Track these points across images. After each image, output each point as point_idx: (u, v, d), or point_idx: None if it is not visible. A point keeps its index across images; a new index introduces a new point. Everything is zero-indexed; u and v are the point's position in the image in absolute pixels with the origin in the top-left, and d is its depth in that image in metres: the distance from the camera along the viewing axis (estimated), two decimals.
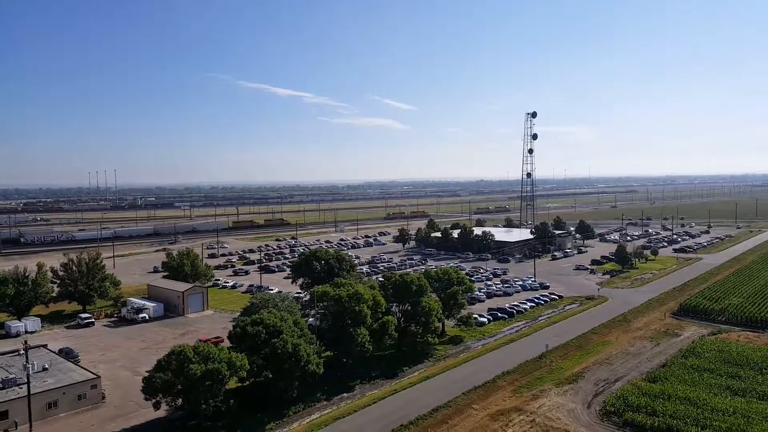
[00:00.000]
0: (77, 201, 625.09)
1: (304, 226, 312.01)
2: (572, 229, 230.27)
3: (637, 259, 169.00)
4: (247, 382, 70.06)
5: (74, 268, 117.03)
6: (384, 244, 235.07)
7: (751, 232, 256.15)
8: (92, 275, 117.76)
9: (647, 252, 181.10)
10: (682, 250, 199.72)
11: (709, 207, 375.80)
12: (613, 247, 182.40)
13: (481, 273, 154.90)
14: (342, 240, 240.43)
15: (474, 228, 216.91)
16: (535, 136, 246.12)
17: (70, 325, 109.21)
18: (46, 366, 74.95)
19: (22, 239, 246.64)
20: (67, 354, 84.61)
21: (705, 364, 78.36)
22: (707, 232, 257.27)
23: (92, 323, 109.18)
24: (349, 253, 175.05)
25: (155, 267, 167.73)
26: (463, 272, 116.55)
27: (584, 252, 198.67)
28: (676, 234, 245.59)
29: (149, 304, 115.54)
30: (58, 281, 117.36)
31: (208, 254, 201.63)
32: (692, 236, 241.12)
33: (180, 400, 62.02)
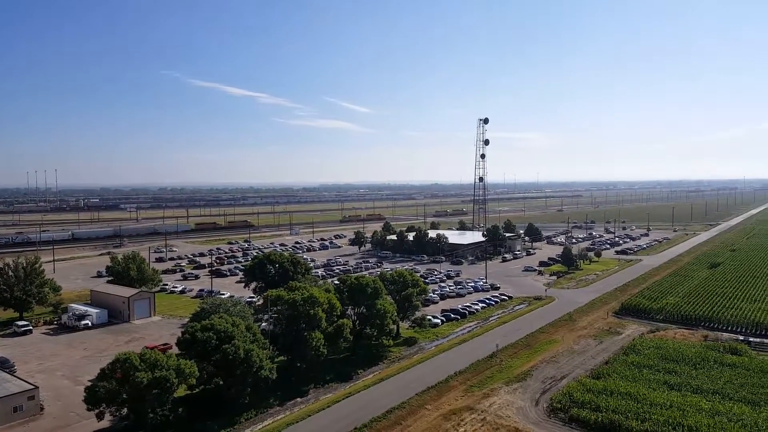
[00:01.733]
0: (14, 202, 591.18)
1: (258, 228, 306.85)
2: (521, 231, 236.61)
3: (581, 261, 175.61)
4: (197, 390, 68.33)
5: (10, 273, 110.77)
6: (340, 246, 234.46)
7: (687, 234, 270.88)
8: (30, 280, 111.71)
9: (591, 254, 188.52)
10: (623, 252, 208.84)
11: (648, 211, 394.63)
12: (560, 249, 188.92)
13: (435, 275, 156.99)
14: (297, 243, 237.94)
15: (428, 231, 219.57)
16: (487, 142, 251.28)
17: (5, 333, 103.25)
18: None
19: None
20: (2, 364, 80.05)
21: (644, 361, 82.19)
22: (647, 234, 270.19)
23: (30, 331, 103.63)
24: (305, 256, 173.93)
25: (99, 272, 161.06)
26: (418, 274, 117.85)
27: (533, 254, 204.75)
28: (618, 236, 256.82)
29: (92, 311, 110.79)
30: None
31: (156, 258, 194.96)
32: (633, 239, 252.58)
33: (125, 410, 59.98)
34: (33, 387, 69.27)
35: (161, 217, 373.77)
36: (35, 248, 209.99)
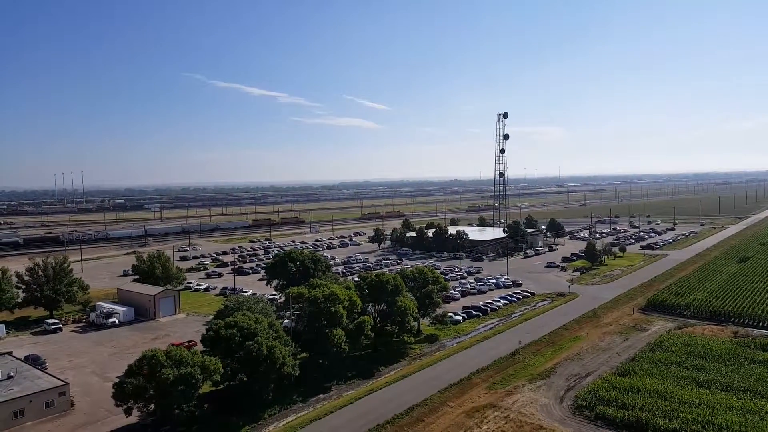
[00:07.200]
0: (42, 204, 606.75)
1: (308, 224, 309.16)
2: (543, 227, 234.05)
3: (606, 256, 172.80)
4: (222, 386, 69.24)
5: (40, 272, 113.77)
6: (359, 244, 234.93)
7: (714, 228, 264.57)
8: (59, 280, 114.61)
9: (615, 249, 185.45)
10: (648, 246, 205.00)
11: (674, 205, 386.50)
12: (583, 245, 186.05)
13: (456, 272, 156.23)
14: (317, 241, 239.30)
15: (448, 227, 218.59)
16: (506, 137, 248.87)
17: (36, 331, 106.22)
18: (12, 374, 72.85)
19: (60, 238, 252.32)
20: (34, 361, 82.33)
21: (672, 358, 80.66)
22: (673, 229, 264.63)
23: (60, 329, 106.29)
24: (325, 254, 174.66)
25: (125, 270, 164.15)
26: (438, 271, 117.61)
27: (555, 250, 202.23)
28: (643, 231, 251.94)
29: (119, 309, 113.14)
30: (24, 286, 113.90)
31: (180, 257, 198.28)
32: (658, 233, 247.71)
33: (152, 406, 61.09)
34: (63, 383, 71.07)
35: (184, 217, 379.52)
36: (64, 248, 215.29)
